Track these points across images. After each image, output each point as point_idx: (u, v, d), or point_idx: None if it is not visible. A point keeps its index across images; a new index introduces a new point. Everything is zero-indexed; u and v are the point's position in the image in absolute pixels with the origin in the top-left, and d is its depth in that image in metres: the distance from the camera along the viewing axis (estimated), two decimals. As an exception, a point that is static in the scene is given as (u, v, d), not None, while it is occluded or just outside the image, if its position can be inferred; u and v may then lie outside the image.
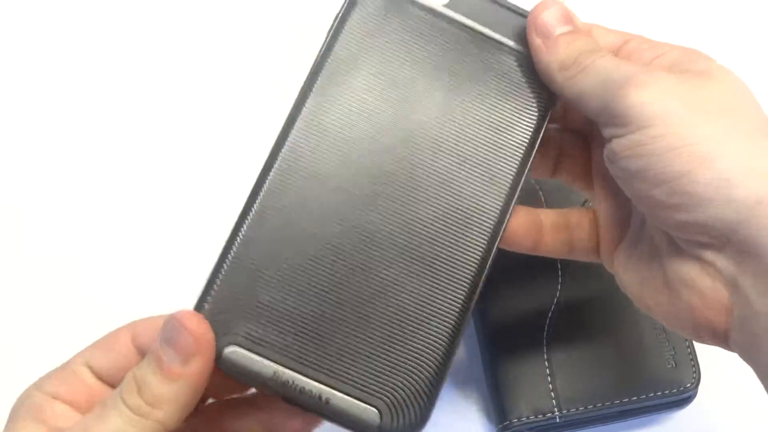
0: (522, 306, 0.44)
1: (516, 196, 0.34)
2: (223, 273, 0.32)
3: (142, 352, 0.32)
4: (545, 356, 0.43)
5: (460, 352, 0.46)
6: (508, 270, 0.45)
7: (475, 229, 0.34)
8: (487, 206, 0.34)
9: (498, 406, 0.43)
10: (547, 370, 0.43)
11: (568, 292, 0.44)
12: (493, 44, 0.35)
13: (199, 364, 0.29)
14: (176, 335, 0.29)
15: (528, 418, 0.42)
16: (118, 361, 0.32)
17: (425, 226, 0.34)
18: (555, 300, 0.44)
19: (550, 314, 0.44)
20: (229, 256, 0.32)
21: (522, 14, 0.36)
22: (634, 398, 0.42)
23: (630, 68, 0.32)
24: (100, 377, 0.32)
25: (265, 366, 0.31)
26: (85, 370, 0.32)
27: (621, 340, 0.43)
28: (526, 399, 0.42)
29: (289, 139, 0.33)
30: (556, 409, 0.42)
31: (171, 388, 0.29)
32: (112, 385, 0.32)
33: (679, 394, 0.42)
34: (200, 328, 0.29)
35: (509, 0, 0.36)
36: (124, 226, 0.48)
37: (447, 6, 0.36)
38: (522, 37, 0.35)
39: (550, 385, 0.43)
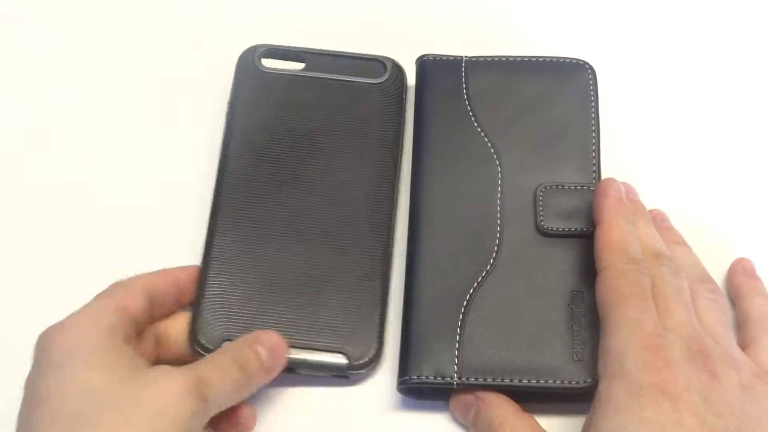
0: (451, 270, 0.45)
1: (397, 180, 0.48)
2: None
3: (180, 286, 0.44)
4: (459, 322, 0.43)
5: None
6: (444, 233, 0.46)
7: (377, 213, 0.47)
8: (378, 197, 0.47)
9: (403, 361, 0.43)
10: (458, 336, 0.43)
11: (502, 265, 0.44)
12: (347, 85, 0.50)
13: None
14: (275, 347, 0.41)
15: (427, 378, 0.42)
16: (167, 286, 0.43)
17: (341, 218, 0.46)
18: (485, 271, 0.44)
19: (476, 284, 0.44)
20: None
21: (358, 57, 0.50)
22: (533, 381, 0.42)
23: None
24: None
25: None
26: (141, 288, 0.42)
27: (537, 322, 0.43)
28: (430, 359, 0.43)
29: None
30: (456, 375, 0.42)
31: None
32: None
33: (578, 387, 0.41)
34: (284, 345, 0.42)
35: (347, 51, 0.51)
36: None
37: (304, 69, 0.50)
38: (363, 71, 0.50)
39: (456, 351, 0.43)
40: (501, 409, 0.41)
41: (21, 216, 0.49)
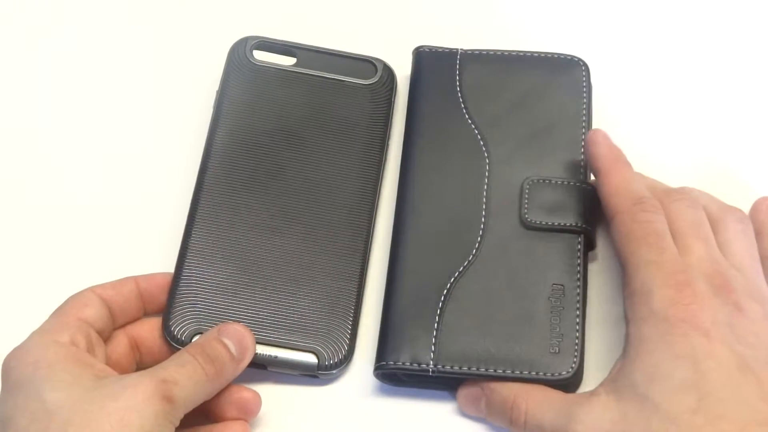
0: (433, 259, 0.45)
1: (380, 183, 0.48)
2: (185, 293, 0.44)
3: (141, 294, 0.43)
4: (438, 310, 0.43)
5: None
6: (429, 222, 0.46)
7: (358, 214, 0.47)
8: (359, 199, 0.47)
9: (381, 346, 0.43)
10: (436, 324, 0.43)
11: (484, 256, 0.44)
12: (337, 83, 0.49)
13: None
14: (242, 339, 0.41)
15: (403, 364, 0.42)
16: (123, 295, 0.42)
17: (321, 217, 0.46)
18: (467, 261, 0.44)
19: (457, 273, 0.44)
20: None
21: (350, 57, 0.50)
22: (508, 371, 0.41)
23: None
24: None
25: None
26: (96, 297, 0.41)
27: (515, 313, 0.43)
28: (407, 346, 0.43)
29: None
30: (432, 362, 0.42)
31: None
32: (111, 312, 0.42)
33: (553, 380, 0.41)
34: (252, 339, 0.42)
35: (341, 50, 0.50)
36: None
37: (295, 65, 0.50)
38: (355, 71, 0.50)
39: (434, 339, 0.43)
40: (507, 386, 0.41)
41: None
